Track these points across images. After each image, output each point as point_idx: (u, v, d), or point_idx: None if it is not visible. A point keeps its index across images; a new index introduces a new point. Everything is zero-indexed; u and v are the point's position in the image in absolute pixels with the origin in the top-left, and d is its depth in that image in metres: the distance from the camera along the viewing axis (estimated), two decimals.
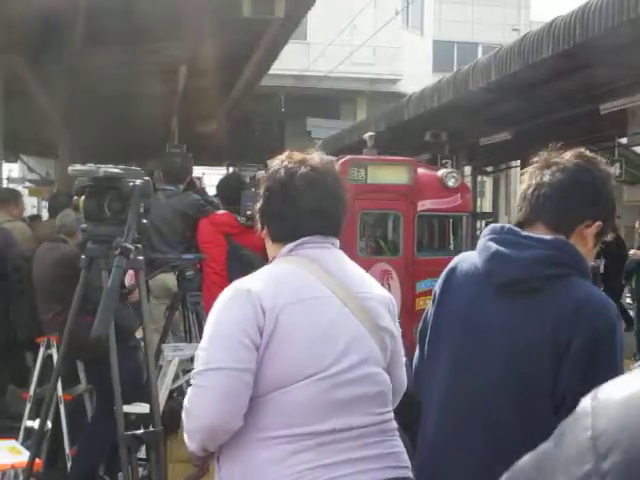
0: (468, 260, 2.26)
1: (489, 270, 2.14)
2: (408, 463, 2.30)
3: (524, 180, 2.26)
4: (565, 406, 1.98)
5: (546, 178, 2.18)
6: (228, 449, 2.13)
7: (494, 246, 2.14)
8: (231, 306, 2.11)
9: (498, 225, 2.22)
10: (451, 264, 2.31)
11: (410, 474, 2.26)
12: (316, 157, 2.33)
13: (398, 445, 2.27)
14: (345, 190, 2.40)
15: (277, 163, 2.34)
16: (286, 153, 2.34)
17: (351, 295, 2.21)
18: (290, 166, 2.28)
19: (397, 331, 2.36)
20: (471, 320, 2.18)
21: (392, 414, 2.31)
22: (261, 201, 2.32)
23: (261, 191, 2.32)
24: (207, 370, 2.05)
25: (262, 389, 2.07)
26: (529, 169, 2.27)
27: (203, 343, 2.12)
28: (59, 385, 4.90)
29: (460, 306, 2.21)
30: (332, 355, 2.11)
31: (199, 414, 2.07)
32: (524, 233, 2.14)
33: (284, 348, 2.08)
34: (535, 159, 2.28)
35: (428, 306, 2.38)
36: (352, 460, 2.09)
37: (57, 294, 4.79)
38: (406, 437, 5.46)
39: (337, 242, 2.35)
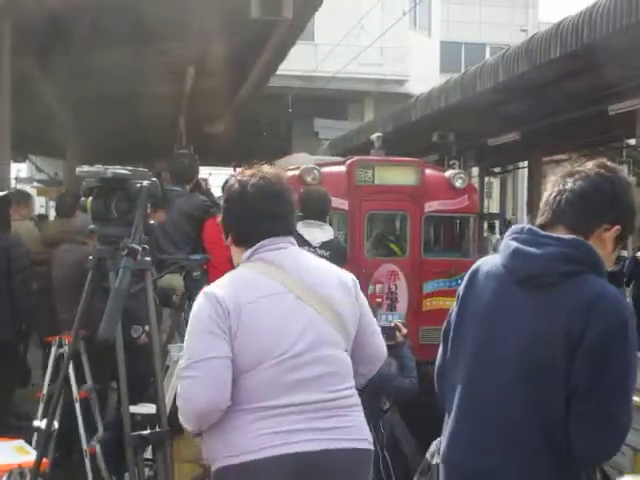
0: (490, 262, 2.41)
1: (510, 267, 2.29)
2: (367, 436, 2.58)
3: (547, 188, 2.40)
4: (576, 397, 2.12)
5: (568, 185, 2.32)
6: None
7: (515, 244, 2.29)
8: (204, 308, 2.48)
9: (519, 226, 2.37)
10: (474, 266, 2.46)
11: (369, 447, 2.57)
12: (266, 169, 2.67)
13: (357, 419, 2.56)
14: (293, 196, 2.72)
15: (232, 179, 2.70)
16: (239, 169, 2.71)
17: (305, 288, 2.54)
18: (243, 179, 2.64)
19: (363, 307, 2.70)
20: (492, 316, 2.31)
21: (352, 390, 2.59)
22: (222, 213, 2.69)
23: (222, 204, 2.71)
24: (196, 362, 2.40)
25: (235, 375, 2.43)
26: (552, 178, 2.40)
27: (185, 342, 2.48)
28: (74, 383, 4.94)
29: (482, 304, 2.35)
30: (287, 342, 2.46)
31: (196, 401, 2.40)
32: (543, 233, 2.29)
33: (247, 340, 2.44)
34: (559, 169, 2.43)
35: (452, 307, 2.51)
36: (310, 429, 2.43)
37: (76, 295, 4.82)
38: (414, 441, 5.43)
39: (293, 240, 2.67)
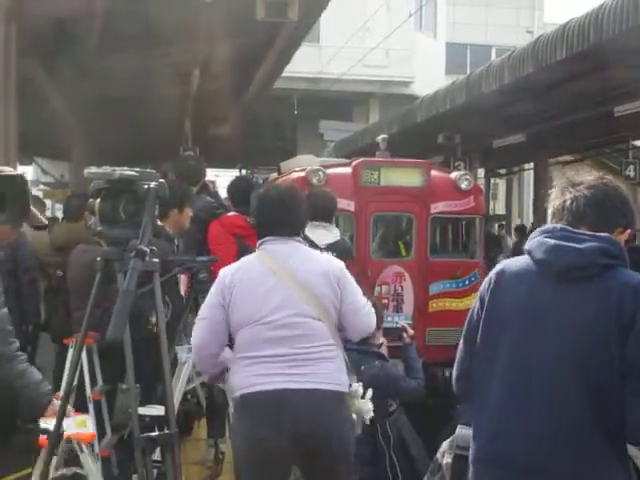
0: (516, 262, 2.58)
1: (548, 261, 2.44)
2: (331, 380, 3.38)
3: (553, 198, 2.61)
4: (632, 377, 2.31)
5: (579, 193, 2.52)
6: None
7: (552, 241, 2.45)
8: (215, 284, 3.59)
9: (549, 226, 2.54)
10: (498, 269, 2.60)
11: (330, 388, 3.35)
12: (283, 183, 3.84)
13: (323, 368, 3.38)
14: (299, 206, 3.69)
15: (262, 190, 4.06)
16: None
17: (287, 273, 3.45)
18: (265, 191, 3.88)
19: (344, 291, 3.53)
20: (531, 308, 2.45)
21: (322, 348, 3.41)
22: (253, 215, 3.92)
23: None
24: (199, 319, 3.56)
25: (231, 331, 3.48)
26: (555, 189, 2.62)
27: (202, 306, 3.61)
28: (88, 385, 4.95)
29: (520, 301, 2.47)
30: (265, 310, 3.40)
31: (193, 341, 3.56)
32: (577, 230, 2.46)
33: (236, 307, 3.45)
34: (557, 182, 2.65)
35: (473, 310, 2.62)
36: (283, 374, 3.33)
37: (90, 295, 4.84)
38: (420, 442, 5.42)
39: (298, 239, 3.64)
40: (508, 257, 3.58)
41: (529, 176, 21.66)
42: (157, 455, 3.22)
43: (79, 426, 3.03)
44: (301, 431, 3.28)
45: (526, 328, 2.45)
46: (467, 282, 8.36)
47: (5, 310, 3.31)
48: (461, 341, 2.68)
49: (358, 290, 3.65)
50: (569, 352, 2.37)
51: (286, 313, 3.39)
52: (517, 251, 12.77)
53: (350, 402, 3.61)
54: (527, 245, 2.54)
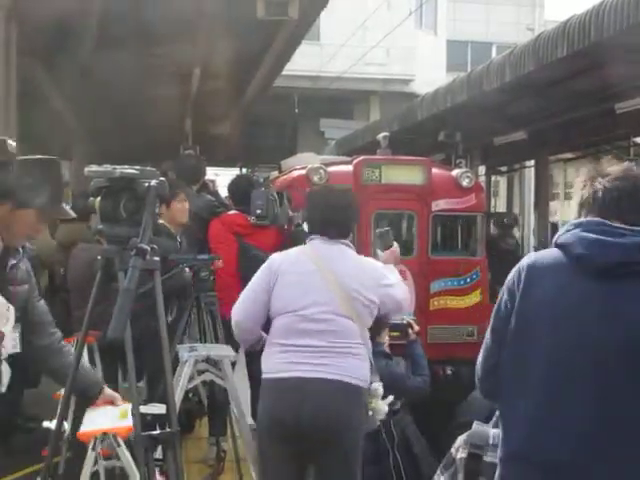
0: (547, 256, 2.48)
1: (590, 256, 2.33)
2: (357, 375, 3.67)
3: (579, 189, 2.53)
4: None
5: (608, 185, 2.44)
6: None
7: (592, 235, 2.35)
8: (264, 265, 3.89)
9: (583, 220, 2.44)
10: (527, 262, 2.49)
11: (346, 380, 3.62)
12: (336, 187, 4.18)
13: (344, 362, 3.66)
14: (349, 210, 3.99)
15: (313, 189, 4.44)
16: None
17: (330, 272, 3.75)
18: (314, 191, 4.19)
19: (384, 294, 3.87)
20: (569, 303, 2.36)
21: (349, 344, 3.70)
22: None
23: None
24: (243, 298, 3.89)
25: (269, 314, 3.80)
26: (581, 181, 2.54)
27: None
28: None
29: (553, 293, 2.39)
30: (304, 303, 3.71)
31: (233, 315, 3.91)
32: (616, 224, 2.37)
33: (279, 294, 3.78)
34: (584, 173, 2.55)
35: (501, 302, 2.52)
36: (309, 364, 3.64)
37: (90, 293, 4.84)
38: (424, 441, 5.42)
39: (345, 241, 3.93)
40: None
41: (530, 173, 21.62)
42: (159, 453, 3.21)
43: (122, 417, 3.01)
44: (319, 416, 3.59)
45: (562, 325, 2.37)
46: (468, 280, 8.36)
47: (42, 302, 3.32)
48: (488, 337, 2.58)
49: (398, 287, 3.99)
50: (621, 355, 2.29)
51: (321, 309, 3.69)
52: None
53: (369, 399, 3.94)
54: (560, 238, 2.44)
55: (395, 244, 4.68)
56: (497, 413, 2.62)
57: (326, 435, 3.61)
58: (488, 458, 2.86)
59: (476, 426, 2.99)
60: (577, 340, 2.34)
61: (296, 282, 3.76)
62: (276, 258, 3.89)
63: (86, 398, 3.20)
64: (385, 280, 3.91)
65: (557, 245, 2.45)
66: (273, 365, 3.74)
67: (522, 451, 2.40)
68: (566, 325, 2.36)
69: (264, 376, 3.79)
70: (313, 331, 3.68)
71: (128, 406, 2.95)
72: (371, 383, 3.90)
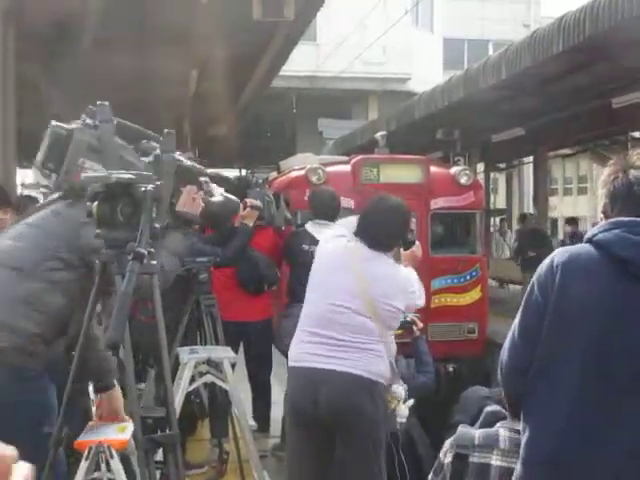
0: (582, 252, 2.34)
1: (628, 258, 2.24)
2: (370, 369, 3.81)
3: (605, 182, 2.40)
4: None
5: None
6: None
7: (634, 237, 2.25)
8: (322, 238, 4.37)
9: (625, 219, 2.30)
10: (561, 259, 2.34)
11: (357, 373, 3.78)
12: (393, 197, 4.28)
13: (365, 358, 3.83)
14: (395, 221, 4.16)
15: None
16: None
17: (362, 276, 3.91)
18: (371, 203, 4.21)
19: (408, 300, 4.08)
20: (608, 306, 2.27)
21: (367, 340, 3.86)
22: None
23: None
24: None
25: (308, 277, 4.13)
26: (609, 170, 2.40)
27: None
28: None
29: (591, 295, 2.28)
30: (336, 298, 3.90)
31: None
32: None
33: (313, 281, 4.06)
34: (611, 162, 2.44)
35: (531, 300, 2.39)
36: (327, 356, 3.84)
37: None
38: (427, 440, 5.40)
39: (387, 252, 4.07)
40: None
41: (529, 170, 21.64)
42: (159, 456, 3.22)
43: (120, 431, 3.02)
44: (334, 403, 3.80)
45: (602, 332, 2.26)
46: (468, 277, 8.38)
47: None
48: (515, 334, 2.42)
49: (420, 293, 4.15)
50: None
51: (347, 305, 3.89)
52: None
53: (390, 400, 4.15)
54: (597, 237, 2.32)
55: (417, 243, 4.59)
56: (521, 417, 2.46)
57: (342, 419, 3.82)
58: (474, 458, 2.87)
59: (461, 428, 3.00)
60: (621, 347, 2.25)
61: (332, 271, 3.99)
62: (328, 236, 4.19)
63: (96, 388, 3.23)
64: (410, 288, 4.08)
65: (593, 243, 2.33)
66: (297, 355, 3.98)
67: (553, 455, 2.29)
68: (609, 329, 2.27)
69: (289, 364, 4.04)
70: (336, 323, 3.88)
71: (129, 424, 2.95)
72: (390, 385, 4.07)
